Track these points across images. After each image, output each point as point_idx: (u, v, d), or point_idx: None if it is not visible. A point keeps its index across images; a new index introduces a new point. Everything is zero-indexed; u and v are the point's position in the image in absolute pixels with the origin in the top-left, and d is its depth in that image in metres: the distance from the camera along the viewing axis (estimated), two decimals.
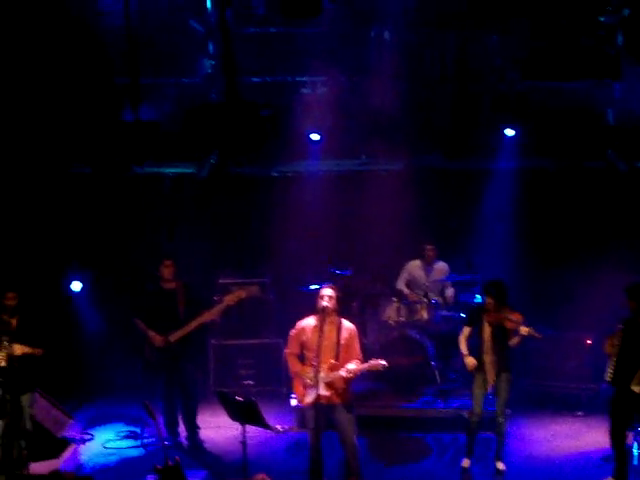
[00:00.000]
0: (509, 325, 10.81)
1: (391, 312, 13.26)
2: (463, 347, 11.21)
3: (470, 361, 11.09)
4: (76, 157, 12.97)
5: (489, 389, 11.06)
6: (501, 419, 11.08)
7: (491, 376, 10.97)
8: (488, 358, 10.96)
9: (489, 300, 10.97)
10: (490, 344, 10.95)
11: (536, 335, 10.72)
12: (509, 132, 14.02)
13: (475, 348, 11.11)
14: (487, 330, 10.98)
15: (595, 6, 11.86)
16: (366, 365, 10.07)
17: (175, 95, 13.76)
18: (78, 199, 14.04)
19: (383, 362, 9.98)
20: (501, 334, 10.91)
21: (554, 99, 13.41)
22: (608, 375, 10.45)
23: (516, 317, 10.81)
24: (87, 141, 12.18)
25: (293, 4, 10.16)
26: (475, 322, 11.16)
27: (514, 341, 10.90)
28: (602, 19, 11.74)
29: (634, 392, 10.20)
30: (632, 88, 12.93)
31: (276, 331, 13.56)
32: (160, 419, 10.93)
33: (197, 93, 13.69)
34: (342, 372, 9.97)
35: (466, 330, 11.28)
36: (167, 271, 11.87)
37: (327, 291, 10.15)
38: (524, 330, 10.71)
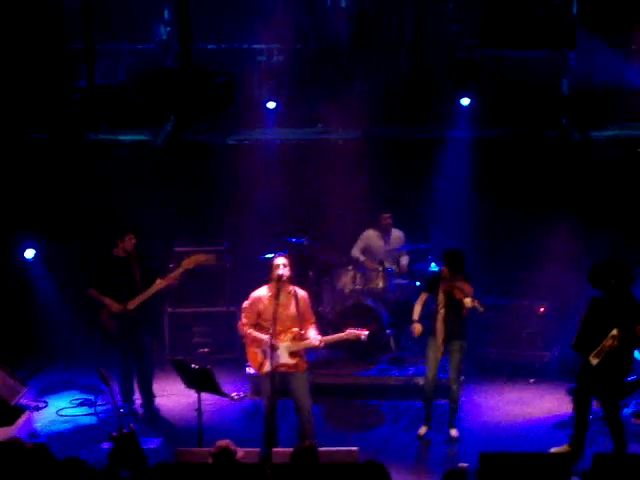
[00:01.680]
0: (458, 295, 10.88)
1: (347, 280, 13.29)
2: (415, 313, 11.30)
3: (416, 327, 11.22)
4: (30, 122, 12.84)
5: (441, 356, 11.16)
6: (454, 386, 11.17)
7: (442, 343, 11.02)
8: (440, 325, 11.03)
9: (444, 268, 11.04)
10: (443, 311, 11.03)
11: (479, 308, 10.79)
12: (465, 101, 14.07)
13: (432, 315, 11.20)
14: (441, 298, 11.04)
15: None
16: (343, 335, 10.17)
17: (130, 61, 13.66)
18: (32, 165, 13.88)
19: (366, 333, 10.06)
20: (455, 302, 10.97)
21: (510, 68, 13.45)
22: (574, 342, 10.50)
23: (466, 288, 10.89)
24: (41, 107, 12.07)
25: None
26: (432, 289, 11.23)
27: (463, 310, 11.00)
28: None
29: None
30: (586, 57, 12.99)
31: (232, 299, 13.56)
32: (115, 387, 10.94)
33: (152, 59, 13.59)
34: (314, 342, 10.03)
35: (423, 296, 11.39)
36: (130, 244, 11.78)
37: (281, 260, 10.16)
38: (468, 301, 10.79)
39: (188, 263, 11.78)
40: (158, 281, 11.67)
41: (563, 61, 13.55)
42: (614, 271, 10.25)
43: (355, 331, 10.11)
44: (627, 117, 13.78)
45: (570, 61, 13.56)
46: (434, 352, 11.13)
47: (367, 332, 10.09)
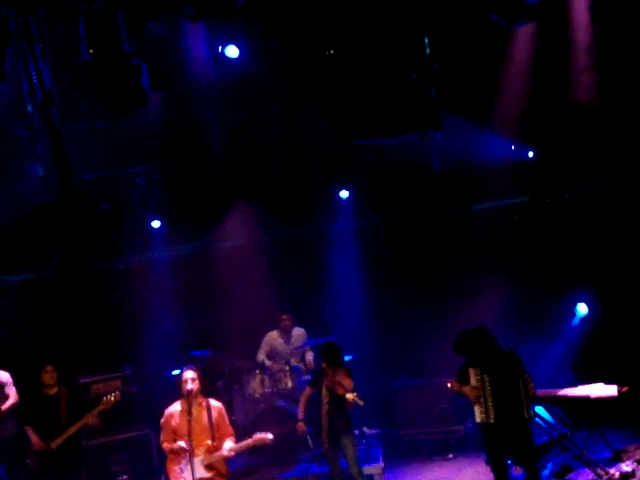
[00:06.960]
0: (339, 390, 10.95)
1: (256, 385, 13.35)
2: (300, 411, 11.47)
3: (300, 426, 11.41)
4: None
5: (332, 451, 11.15)
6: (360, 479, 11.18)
7: (325, 438, 11.08)
8: (325, 421, 11.07)
9: (323, 364, 11.16)
10: (327, 407, 11.07)
11: (359, 402, 10.86)
12: (343, 193, 14.40)
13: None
14: (324, 393, 11.11)
15: (407, 64, 12.26)
16: (250, 441, 10.20)
17: (9, 202, 13.60)
18: None
19: (270, 436, 10.11)
20: (338, 397, 11.01)
21: (381, 156, 13.75)
22: (480, 416, 10.50)
23: (347, 383, 10.96)
24: None
25: (118, 98, 10.24)
26: (315, 384, 11.32)
27: (347, 405, 11.06)
28: (414, 75, 12.16)
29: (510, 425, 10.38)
30: (451, 135, 13.37)
31: (144, 422, 13.44)
32: None
33: (32, 197, 13.57)
34: (224, 452, 10.03)
35: (307, 390, 11.51)
36: (47, 376, 11.70)
37: (189, 374, 10.20)
38: (349, 397, 10.88)
39: (107, 403, 11.62)
40: (88, 415, 11.53)
41: (431, 142, 13.93)
42: (477, 339, 10.54)
43: (261, 435, 10.16)
44: (499, 188, 14.22)
45: (437, 141, 13.95)
46: (329, 448, 11.15)
47: (271, 436, 10.13)
